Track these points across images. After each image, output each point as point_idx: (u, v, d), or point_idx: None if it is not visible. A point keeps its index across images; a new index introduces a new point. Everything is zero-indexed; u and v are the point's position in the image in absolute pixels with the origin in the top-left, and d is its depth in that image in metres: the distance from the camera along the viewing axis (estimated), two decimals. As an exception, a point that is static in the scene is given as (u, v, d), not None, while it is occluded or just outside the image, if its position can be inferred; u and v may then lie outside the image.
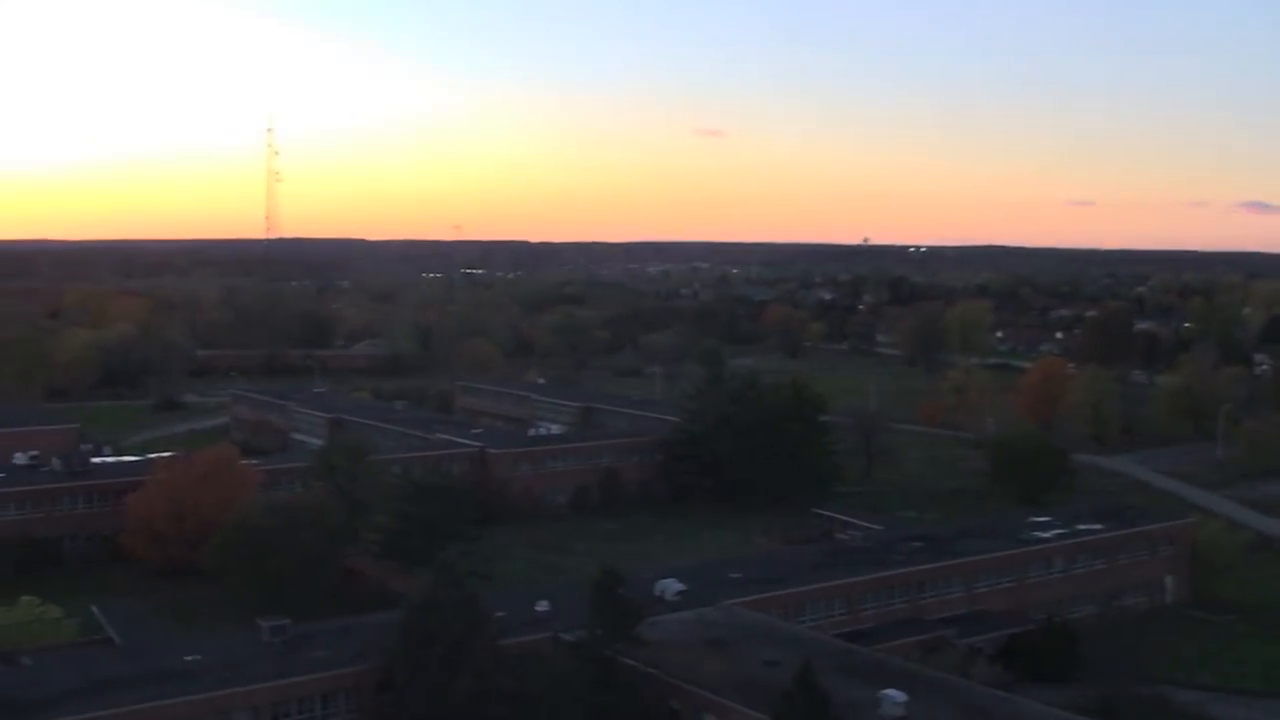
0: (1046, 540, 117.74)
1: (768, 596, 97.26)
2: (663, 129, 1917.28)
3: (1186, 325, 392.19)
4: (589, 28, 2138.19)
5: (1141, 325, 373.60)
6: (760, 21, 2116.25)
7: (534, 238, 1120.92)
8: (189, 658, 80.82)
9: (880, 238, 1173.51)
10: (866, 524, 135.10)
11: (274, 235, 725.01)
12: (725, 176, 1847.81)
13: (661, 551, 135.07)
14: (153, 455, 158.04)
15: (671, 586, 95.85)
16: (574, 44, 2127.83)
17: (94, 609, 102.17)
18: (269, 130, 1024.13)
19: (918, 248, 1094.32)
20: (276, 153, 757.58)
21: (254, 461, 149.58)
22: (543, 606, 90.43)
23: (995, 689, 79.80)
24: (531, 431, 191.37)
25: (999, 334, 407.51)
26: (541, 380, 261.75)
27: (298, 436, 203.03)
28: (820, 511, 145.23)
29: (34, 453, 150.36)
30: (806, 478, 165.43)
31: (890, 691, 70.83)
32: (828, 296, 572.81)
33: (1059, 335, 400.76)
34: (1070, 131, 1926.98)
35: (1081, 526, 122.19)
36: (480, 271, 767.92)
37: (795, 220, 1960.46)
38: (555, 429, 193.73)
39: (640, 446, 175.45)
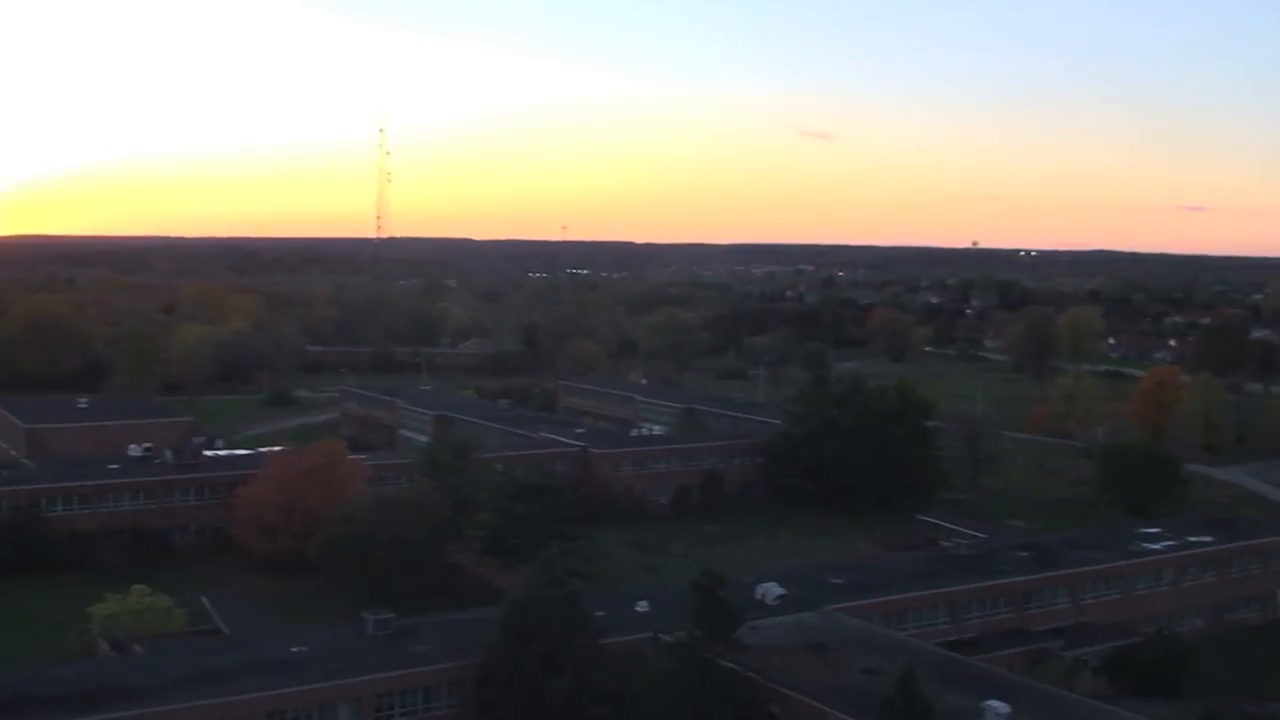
0: (1155, 552, 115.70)
1: (870, 603, 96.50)
2: (769, 131, 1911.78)
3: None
4: (697, 28, 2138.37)
5: (1257, 333, 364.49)
6: (868, 23, 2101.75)
7: (639, 239, 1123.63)
8: (294, 649, 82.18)
9: (989, 241, 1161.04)
10: (971, 532, 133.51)
11: (384, 234, 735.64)
12: (831, 178, 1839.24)
13: (762, 555, 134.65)
14: (263, 449, 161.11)
15: (772, 590, 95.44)
16: (682, 44, 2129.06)
17: (203, 599, 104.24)
18: (381, 131, 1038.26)
19: (1028, 252, 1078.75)
20: (388, 153, 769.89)
21: (361, 457, 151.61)
22: (643, 607, 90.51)
23: (1100, 702, 78.44)
24: (634, 432, 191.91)
25: (1110, 340, 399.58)
26: (644, 381, 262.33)
27: (404, 433, 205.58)
28: (924, 518, 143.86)
29: (148, 445, 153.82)
30: (911, 483, 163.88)
31: (993, 702, 69.89)
32: (935, 300, 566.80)
33: (1172, 343, 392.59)
34: (1184, 136, 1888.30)
35: (1192, 538, 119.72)
36: (585, 272, 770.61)
37: (902, 223, 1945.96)
38: (657, 430, 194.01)
39: (742, 449, 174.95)
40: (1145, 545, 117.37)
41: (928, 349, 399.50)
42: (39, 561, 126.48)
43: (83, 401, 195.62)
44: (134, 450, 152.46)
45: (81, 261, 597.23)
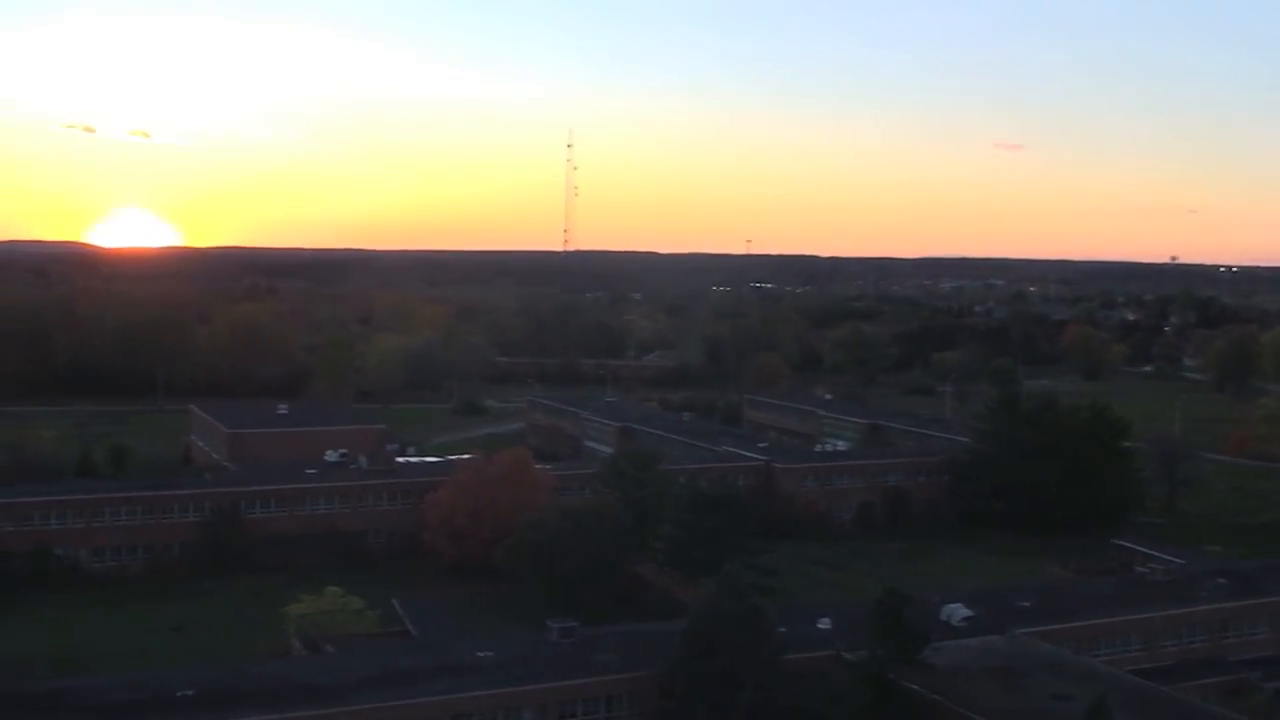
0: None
1: (1060, 627, 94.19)
2: (960, 143, 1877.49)
3: None
4: (885, 40, 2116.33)
5: None
6: (1062, 33, 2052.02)
7: (824, 252, 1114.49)
8: (481, 653, 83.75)
9: (1189, 256, 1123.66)
10: (1167, 557, 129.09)
11: (571, 247, 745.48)
12: (1023, 191, 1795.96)
13: (948, 575, 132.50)
14: (453, 456, 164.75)
15: (958, 611, 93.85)
16: (870, 57, 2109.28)
17: (394, 602, 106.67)
18: (569, 146, 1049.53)
19: (1229, 268, 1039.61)
20: (575, 168, 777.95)
21: (547, 466, 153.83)
22: (825, 624, 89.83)
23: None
24: (818, 447, 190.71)
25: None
26: (829, 396, 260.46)
27: (589, 443, 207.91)
28: (1118, 542, 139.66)
29: (343, 451, 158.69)
30: (1104, 505, 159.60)
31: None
32: (1131, 317, 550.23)
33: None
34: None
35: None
36: (770, 285, 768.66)
37: (1097, 237, 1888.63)
38: (841, 445, 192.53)
39: (928, 466, 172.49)
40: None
41: (1123, 367, 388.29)
42: (239, 562, 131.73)
43: (282, 408, 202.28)
44: (330, 455, 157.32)
45: (283, 272, 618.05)
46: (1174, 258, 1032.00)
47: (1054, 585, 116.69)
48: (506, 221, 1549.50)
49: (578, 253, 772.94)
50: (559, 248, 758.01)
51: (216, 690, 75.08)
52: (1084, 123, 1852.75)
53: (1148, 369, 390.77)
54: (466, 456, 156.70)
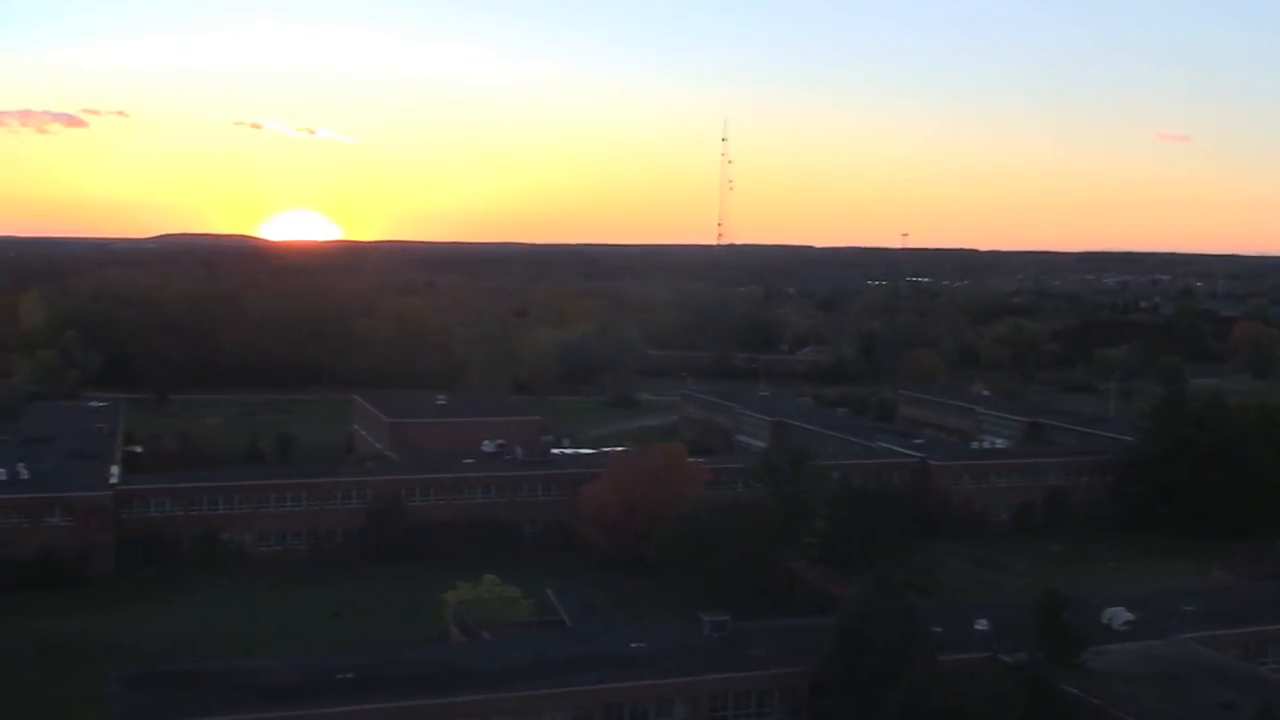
0: None
1: (1225, 633, 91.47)
2: (1123, 134, 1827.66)
3: None
4: (1047, 31, 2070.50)
5: None
6: (1228, 21, 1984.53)
7: (982, 245, 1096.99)
8: (634, 645, 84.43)
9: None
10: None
11: (725, 241, 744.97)
12: (1189, 184, 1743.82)
13: (1109, 578, 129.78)
14: (606, 449, 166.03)
15: (1119, 615, 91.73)
16: (1031, 47, 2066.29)
17: (548, 591, 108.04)
18: (723, 140, 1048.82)
19: None
20: (730, 161, 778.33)
21: (700, 460, 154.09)
22: (982, 625, 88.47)
23: None
24: (974, 445, 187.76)
25: None
26: (986, 393, 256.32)
27: (741, 438, 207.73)
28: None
29: (500, 442, 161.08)
30: (1273, 508, 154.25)
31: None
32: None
33: None
34: None
35: None
36: (926, 280, 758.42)
37: (1269, 230, 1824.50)
38: (999, 443, 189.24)
39: (1090, 466, 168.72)
40: None
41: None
42: (398, 548, 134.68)
43: (442, 398, 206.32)
44: (487, 446, 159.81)
45: (442, 266, 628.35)
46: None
47: (1219, 590, 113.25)
48: (660, 215, 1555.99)
49: (732, 247, 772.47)
50: (713, 242, 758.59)
51: (376, 674, 77.01)
52: (1252, 112, 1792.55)
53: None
54: (620, 449, 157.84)
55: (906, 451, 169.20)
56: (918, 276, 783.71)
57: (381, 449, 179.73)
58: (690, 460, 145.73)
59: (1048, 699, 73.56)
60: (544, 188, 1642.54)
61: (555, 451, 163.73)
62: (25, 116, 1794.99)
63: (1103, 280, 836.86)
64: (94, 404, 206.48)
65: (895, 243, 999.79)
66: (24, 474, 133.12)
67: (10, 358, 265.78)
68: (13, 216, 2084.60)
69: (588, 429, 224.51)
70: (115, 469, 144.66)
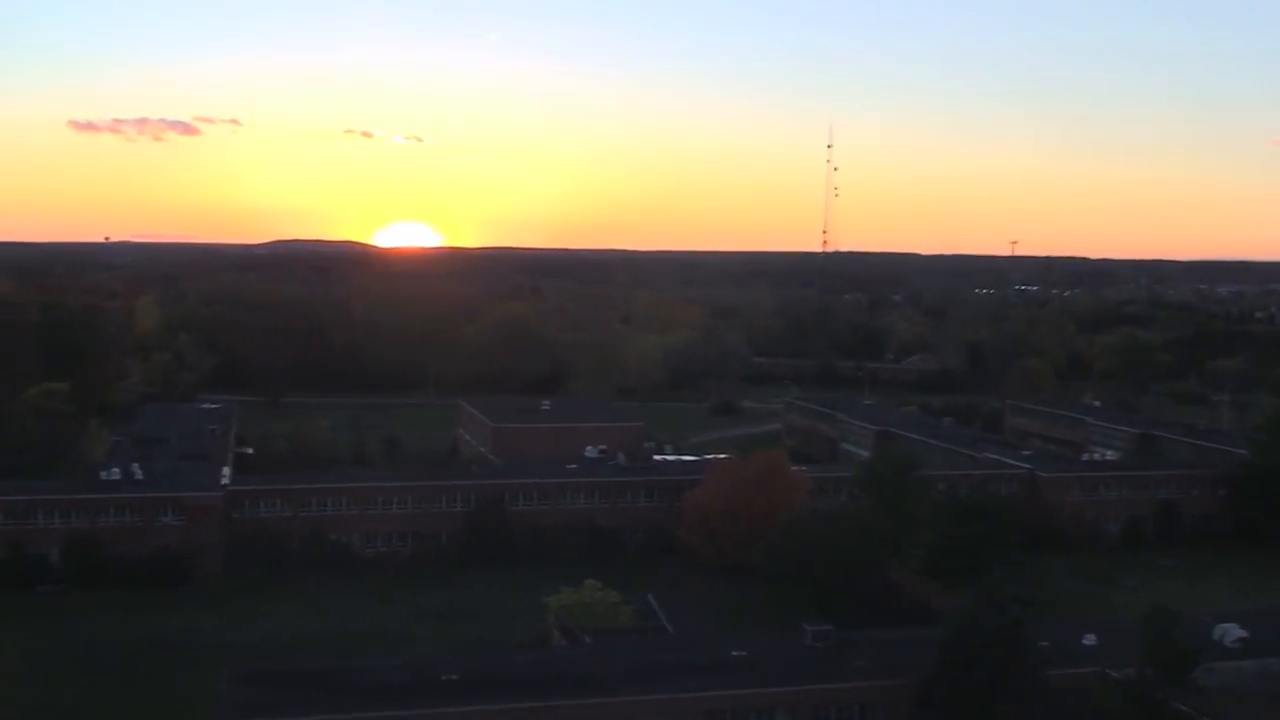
0: None
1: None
2: (1235, 141, 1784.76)
3: None
4: (1156, 34, 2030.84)
5: None
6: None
7: (1093, 254, 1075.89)
8: (735, 653, 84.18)
9: None
10: None
11: (830, 248, 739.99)
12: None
13: (1221, 594, 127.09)
14: (709, 456, 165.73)
15: (1232, 632, 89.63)
16: (1140, 51, 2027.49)
17: (650, 597, 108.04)
18: (829, 146, 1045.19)
19: None
20: (835, 168, 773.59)
21: (803, 468, 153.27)
22: (1089, 640, 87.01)
23: None
24: (1084, 456, 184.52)
25: None
26: (1097, 404, 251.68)
27: (845, 446, 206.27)
28: None
29: (603, 447, 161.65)
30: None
31: None
32: None
33: None
34: None
35: None
36: (1035, 288, 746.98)
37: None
38: (1110, 455, 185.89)
39: (1203, 479, 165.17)
40: None
41: None
42: (501, 552, 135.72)
43: (545, 403, 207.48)
44: (590, 451, 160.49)
45: (547, 272, 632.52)
46: None
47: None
48: (764, 222, 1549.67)
49: (837, 254, 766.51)
50: (818, 249, 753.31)
51: (480, 676, 77.66)
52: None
53: None
54: (723, 456, 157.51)
55: (1014, 463, 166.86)
56: (1026, 285, 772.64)
57: (485, 453, 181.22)
58: (793, 468, 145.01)
59: (1158, 716, 72.04)
60: (649, 195, 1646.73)
61: (658, 458, 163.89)
62: (142, 125, 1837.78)
63: (1216, 290, 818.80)
64: (207, 406, 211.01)
65: (1004, 250, 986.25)
66: (138, 474, 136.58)
67: (126, 361, 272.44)
68: (129, 222, 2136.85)
69: (690, 436, 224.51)
70: (227, 470, 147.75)
